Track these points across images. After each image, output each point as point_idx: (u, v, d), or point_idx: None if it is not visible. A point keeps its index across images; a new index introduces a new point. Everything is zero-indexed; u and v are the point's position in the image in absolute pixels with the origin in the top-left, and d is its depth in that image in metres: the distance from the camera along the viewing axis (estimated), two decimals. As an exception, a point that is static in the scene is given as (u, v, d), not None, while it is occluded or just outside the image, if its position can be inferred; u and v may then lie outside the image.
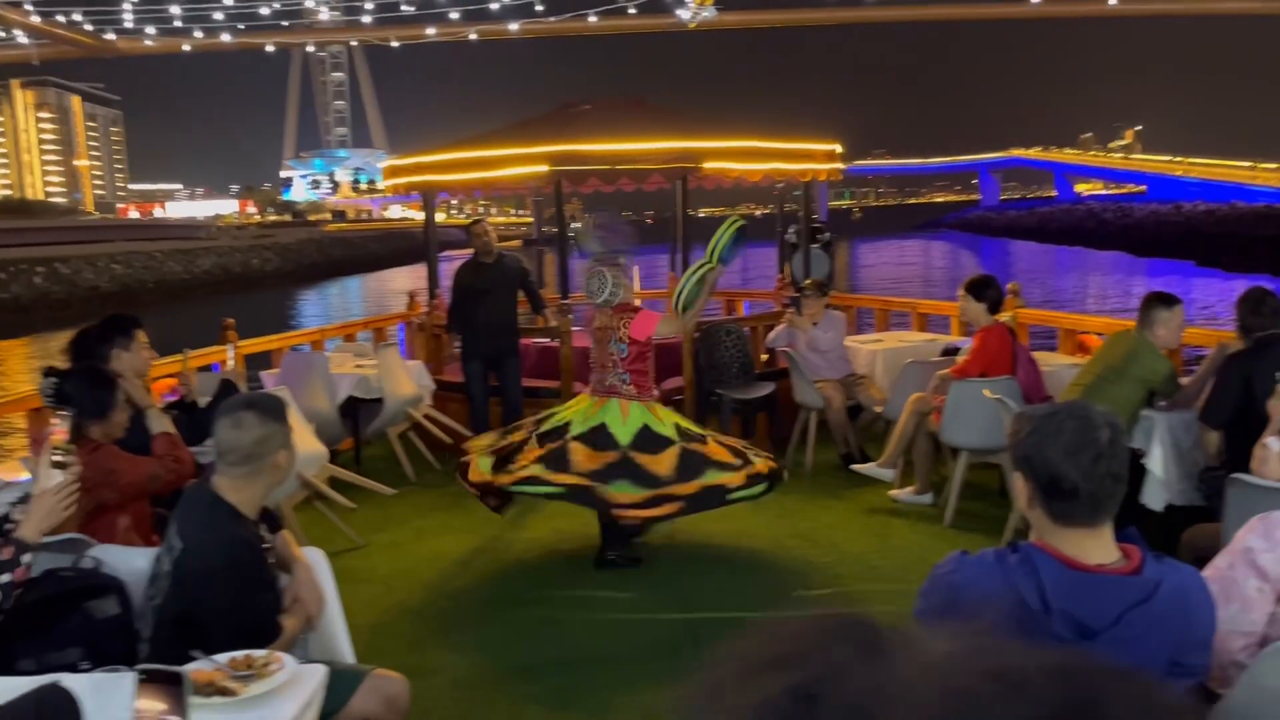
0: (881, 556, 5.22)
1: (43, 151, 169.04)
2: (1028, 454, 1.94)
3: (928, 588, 2.04)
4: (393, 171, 7.94)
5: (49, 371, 3.57)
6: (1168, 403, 4.76)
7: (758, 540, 5.54)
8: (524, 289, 7.24)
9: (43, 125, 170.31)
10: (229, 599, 2.46)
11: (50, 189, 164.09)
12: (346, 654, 2.86)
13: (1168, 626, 1.84)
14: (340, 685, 2.66)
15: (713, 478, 4.76)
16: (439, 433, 7.18)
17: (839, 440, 6.90)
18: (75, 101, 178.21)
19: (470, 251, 7.19)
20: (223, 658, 2.28)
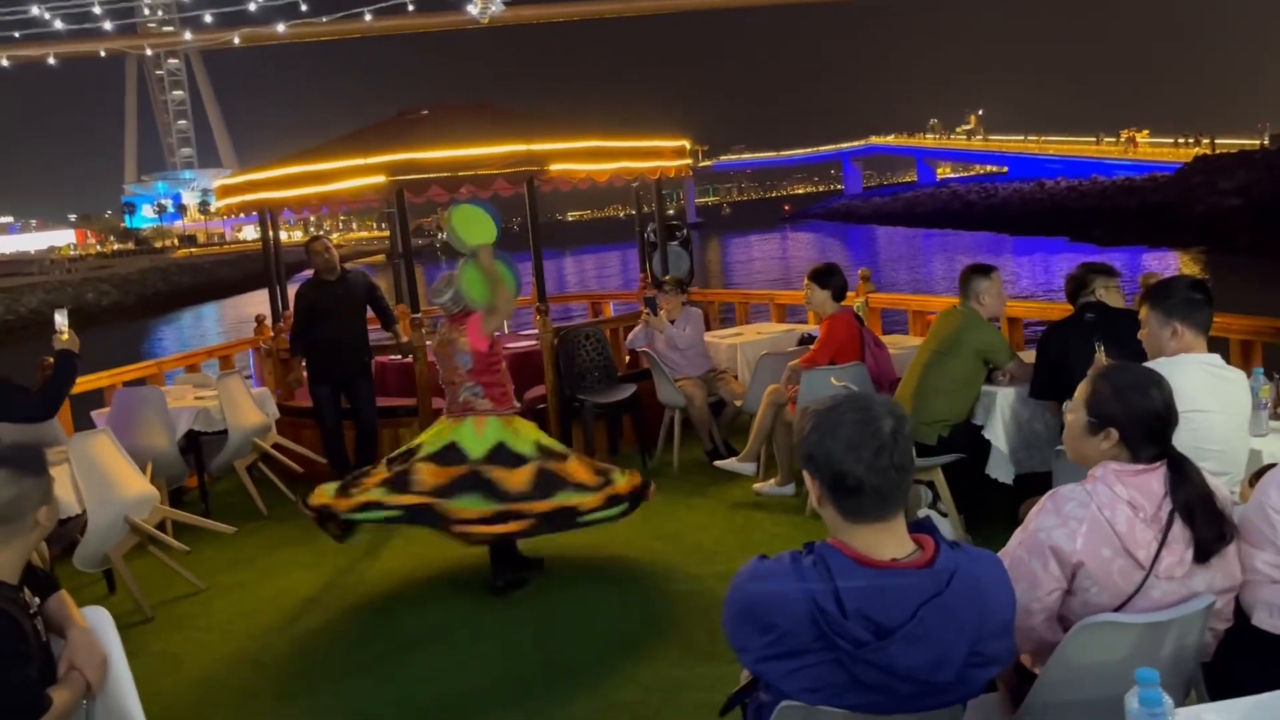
0: (745, 554, 5.05)
1: None
2: (811, 452, 1.86)
3: (729, 596, 1.94)
4: (225, 191, 7.56)
5: None
6: (1008, 376, 4.82)
7: (621, 546, 5.42)
8: (372, 305, 6.95)
9: None
10: None
11: None
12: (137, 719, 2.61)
13: (964, 616, 1.77)
14: (124, 758, 2.42)
15: (567, 498, 4.58)
16: (289, 462, 6.85)
17: (704, 437, 6.85)
18: None
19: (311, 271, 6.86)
20: (-38, 747, 2.02)
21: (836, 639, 1.76)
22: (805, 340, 6.90)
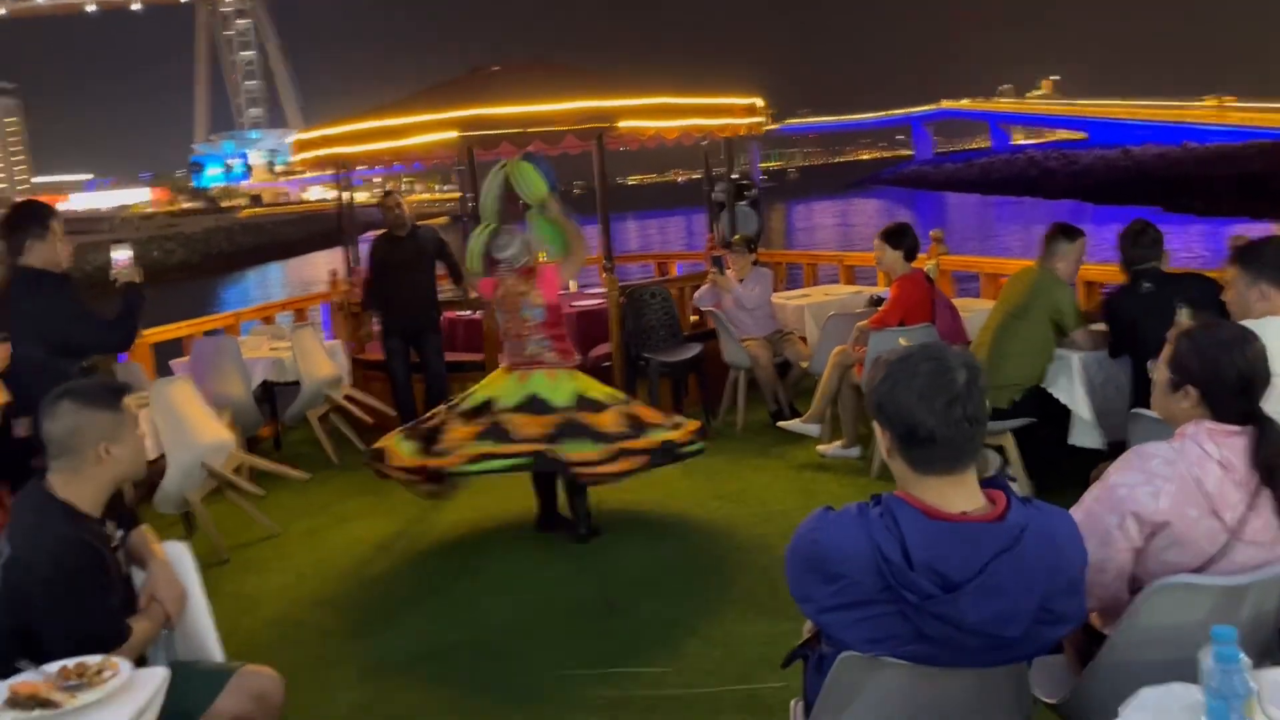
0: (807, 512, 5.07)
1: None
2: (881, 401, 1.83)
3: (792, 547, 1.93)
4: (301, 145, 7.67)
5: None
6: (1082, 338, 4.70)
7: (684, 503, 5.44)
8: (442, 261, 7.02)
9: None
10: (60, 604, 2.28)
11: None
12: (215, 652, 2.70)
13: (1034, 572, 1.74)
14: (204, 685, 2.51)
15: (660, 435, 4.72)
16: (361, 413, 6.98)
17: (768, 398, 6.81)
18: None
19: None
20: (52, 667, 2.11)
21: (902, 590, 1.75)
22: (874, 302, 6.78)
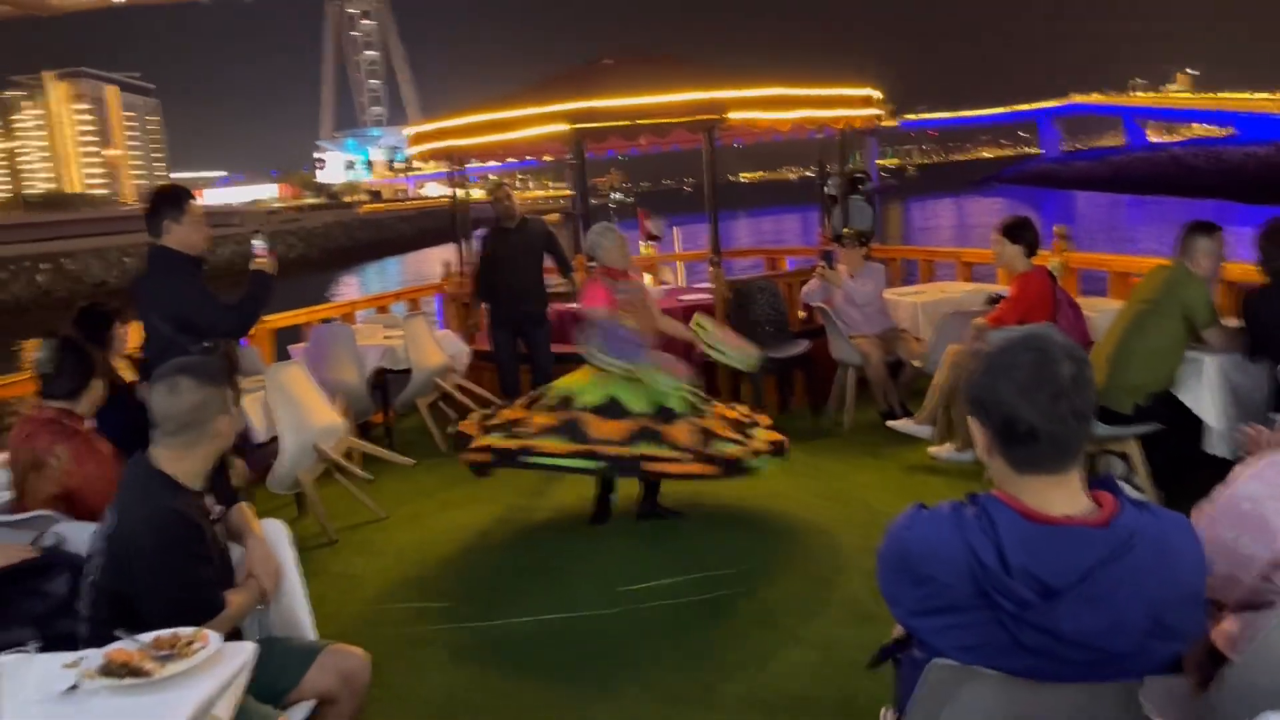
0: (915, 516, 4.94)
1: (81, 144, 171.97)
2: (979, 395, 1.71)
3: (883, 547, 1.83)
4: (417, 138, 7.83)
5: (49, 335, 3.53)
6: (1216, 338, 4.40)
7: (787, 501, 5.33)
8: (550, 253, 7.06)
9: (80, 117, 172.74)
10: (160, 576, 2.34)
11: (90, 181, 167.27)
12: (307, 629, 2.75)
13: (1145, 581, 1.60)
14: (292, 662, 2.55)
15: (724, 449, 4.65)
16: (469, 402, 7.07)
17: (879, 397, 6.62)
18: (111, 92, 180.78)
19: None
20: (146, 637, 2.16)
21: (998, 596, 1.63)
22: (993, 300, 6.50)
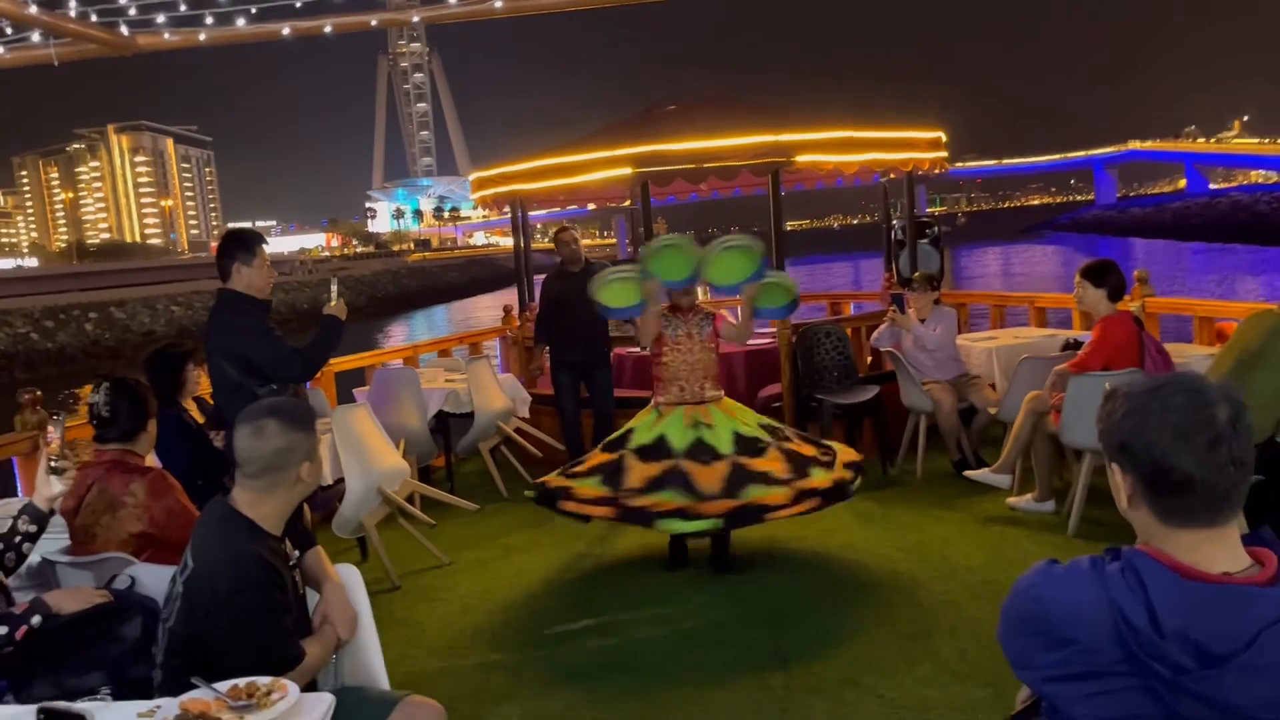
0: (997, 570, 4.76)
1: (139, 194, 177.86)
2: (1125, 440, 1.57)
3: (1010, 604, 1.68)
4: (480, 184, 7.86)
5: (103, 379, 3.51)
6: None
7: (861, 553, 5.15)
8: None
9: (139, 169, 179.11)
10: (238, 622, 2.27)
11: (148, 230, 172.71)
12: (380, 679, 2.65)
13: None
14: (369, 713, 2.45)
15: (752, 494, 4.58)
16: (530, 446, 7.01)
17: (951, 446, 6.42)
18: (169, 144, 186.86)
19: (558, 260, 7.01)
20: (223, 685, 2.08)
21: (1150, 662, 1.48)
22: (1070, 345, 6.32)
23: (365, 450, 5.28)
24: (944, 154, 7.55)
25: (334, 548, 5.48)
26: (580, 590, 4.99)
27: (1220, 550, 1.53)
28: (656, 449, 4.78)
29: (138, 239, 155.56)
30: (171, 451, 4.12)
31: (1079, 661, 1.55)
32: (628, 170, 6.69)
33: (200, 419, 4.55)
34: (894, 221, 8.70)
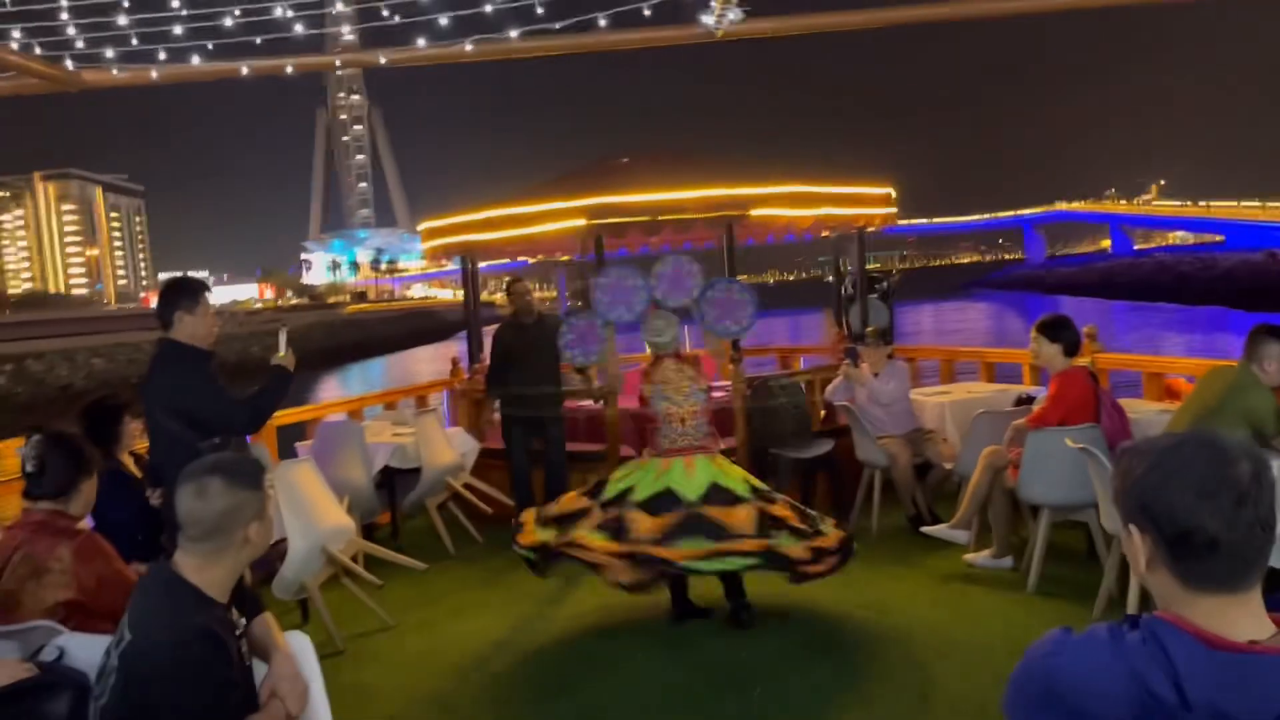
0: (960, 629, 4.68)
1: (65, 243, 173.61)
2: (1147, 500, 1.50)
3: (1021, 675, 1.59)
4: (431, 234, 7.73)
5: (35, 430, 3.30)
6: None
7: (821, 611, 5.04)
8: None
9: (66, 218, 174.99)
10: (182, 701, 2.08)
11: (73, 281, 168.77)
12: (333, 756, 2.46)
13: None
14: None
15: (781, 544, 4.52)
16: (479, 502, 6.81)
17: (906, 501, 6.38)
18: (98, 193, 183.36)
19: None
20: (164, 771, 1.90)
21: None
22: (1023, 401, 6.36)
23: (309, 508, 5.06)
24: (894, 210, 7.63)
25: (273, 610, 5.20)
26: (533, 653, 4.80)
27: (1245, 616, 1.46)
28: (663, 501, 4.60)
29: (62, 289, 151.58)
30: (110, 506, 3.89)
31: (1097, 737, 1.45)
32: (582, 221, 6.62)
33: (138, 474, 4.32)
34: (845, 277, 8.75)
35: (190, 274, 4.21)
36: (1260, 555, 1.46)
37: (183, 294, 4.00)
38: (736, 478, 4.77)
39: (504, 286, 6.94)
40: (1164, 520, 1.47)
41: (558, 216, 6.75)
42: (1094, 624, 1.56)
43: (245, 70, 8.42)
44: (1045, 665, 1.55)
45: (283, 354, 4.19)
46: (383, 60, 8.66)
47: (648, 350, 5.20)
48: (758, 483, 4.86)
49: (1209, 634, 1.44)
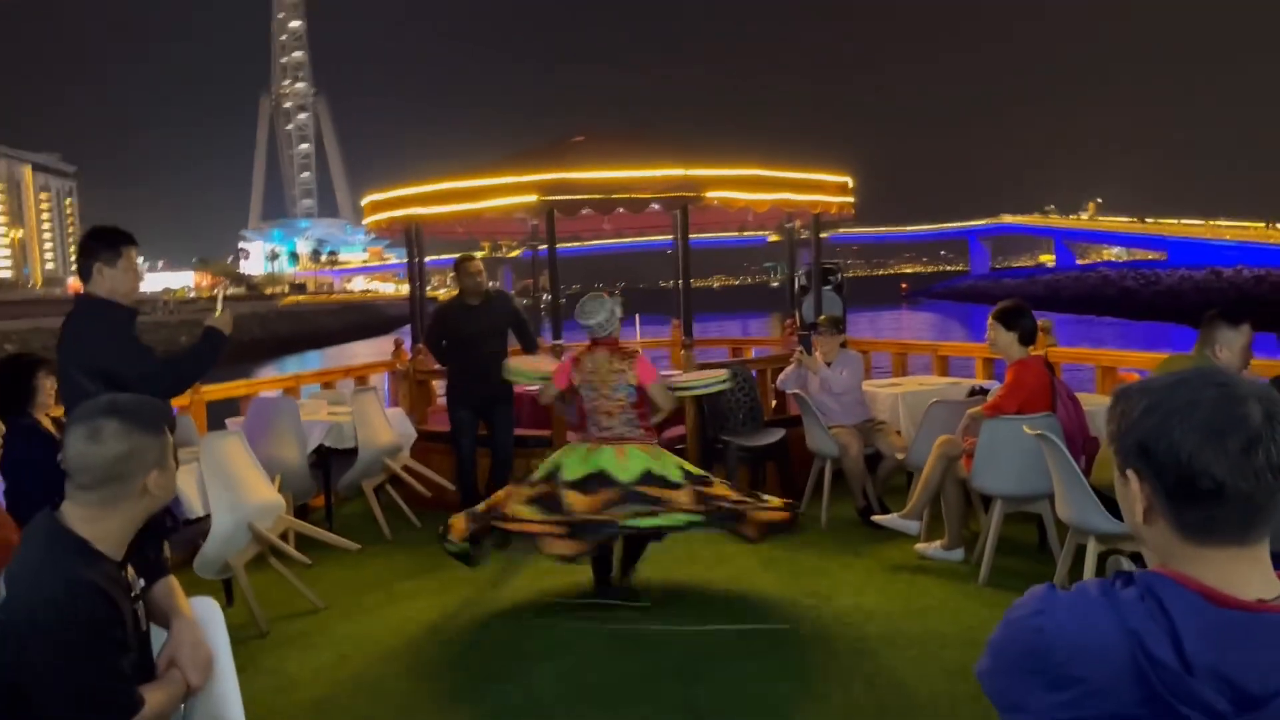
0: (909, 619, 4.57)
1: None
2: (1145, 441, 1.34)
3: (1001, 637, 1.42)
4: (374, 207, 7.45)
5: None
6: None
7: (769, 600, 4.90)
8: (515, 329, 6.66)
9: None
10: (62, 663, 1.85)
11: None
12: (240, 734, 2.24)
13: None
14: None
15: (722, 505, 4.51)
16: (418, 485, 6.57)
17: (856, 491, 6.27)
18: (26, 172, 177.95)
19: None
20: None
21: (1178, 704, 1.24)
22: (976, 393, 6.28)
23: (236, 482, 4.79)
24: (851, 199, 7.52)
25: (194, 591, 4.92)
26: (471, 639, 4.58)
27: (1253, 572, 1.31)
28: (596, 480, 4.50)
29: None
30: (24, 463, 3.62)
31: (1087, 704, 1.29)
32: (533, 198, 6.41)
33: (56, 435, 4.04)
34: (798, 268, 8.65)
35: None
36: (1271, 504, 1.31)
37: (101, 244, 3.72)
38: (670, 464, 4.66)
39: (453, 265, 6.67)
40: (1166, 464, 1.32)
41: (509, 191, 6.54)
42: (1082, 581, 1.42)
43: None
44: (1030, 624, 1.39)
45: (219, 314, 3.92)
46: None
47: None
48: (694, 469, 4.77)
49: (1212, 590, 1.29)
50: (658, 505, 4.35)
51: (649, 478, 4.48)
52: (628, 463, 4.60)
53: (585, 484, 4.47)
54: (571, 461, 4.67)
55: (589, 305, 4.88)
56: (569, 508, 4.36)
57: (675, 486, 4.53)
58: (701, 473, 4.76)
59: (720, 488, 4.65)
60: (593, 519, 4.28)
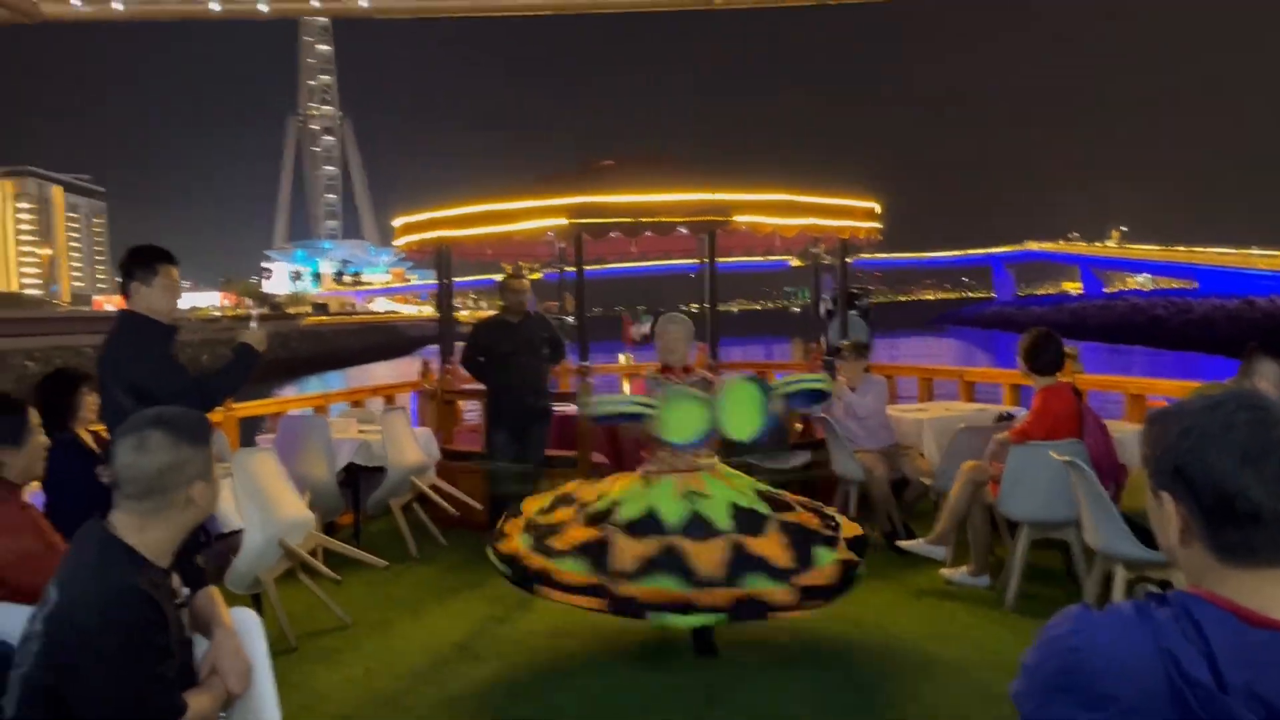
0: (935, 643, 4.55)
1: (19, 242, 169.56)
2: (1183, 464, 1.36)
3: (1035, 657, 1.44)
4: (405, 229, 7.54)
5: None
6: None
7: (796, 624, 4.88)
8: (551, 347, 6.73)
9: (21, 216, 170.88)
10: (109, 669, 1.90)
11: (26, 280, 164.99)
12: (277, 742, 2.28)
13: None
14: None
15: (755, 586, 4.06)
16: (446, 505, 6.61)
17: (881, 517, 6.25)
18: (56, 192, 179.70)
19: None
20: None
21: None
22: (1004, 419, 6.27)
23: (267, 498, 4.86)
24: (878, 225, 7.54)
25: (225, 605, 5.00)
26: (495, 658, 4.60)
27: None
28: (646, 524, 4.23)
29: (14, 288, 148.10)
30: (66, 477, 3.69)
31: (1122, 723, 1.31)
32: (563, 220, 6.48)
33: (97, 450, 4.12)
34: (823, 294, 8.68)
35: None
36: None
37: (136, 263, 3.80)
38: (723, 500, 4.34)
39: (498, 284, 6.67)
40: (1202, 487, 1.34)
41: (538, 215, 6.61)
42: (1117, 601, 1.43)
43: (216, 7, 8.19)
44: (1066, 644, 1.41)
45: (253, 329, 3.99)
46: (364, 3, 8.46)
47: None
48: (750, 500, 4.42)
49: (1247, 611, 1.31)
50: (690, 576, 4.04)
51: (694, 522, 4.21)
52: (682, 495, 4.33)
53: (636, 526, 4.23)
54: (627, 495, 4.43)
55: (671, 328, 4.75)
56: (614, 564, 4.11)
57: (715, 534, 4.19)
58: (762, 510, 4.39)
59: (802, 514, 4.41)
60: (626, 595, 4.04)
